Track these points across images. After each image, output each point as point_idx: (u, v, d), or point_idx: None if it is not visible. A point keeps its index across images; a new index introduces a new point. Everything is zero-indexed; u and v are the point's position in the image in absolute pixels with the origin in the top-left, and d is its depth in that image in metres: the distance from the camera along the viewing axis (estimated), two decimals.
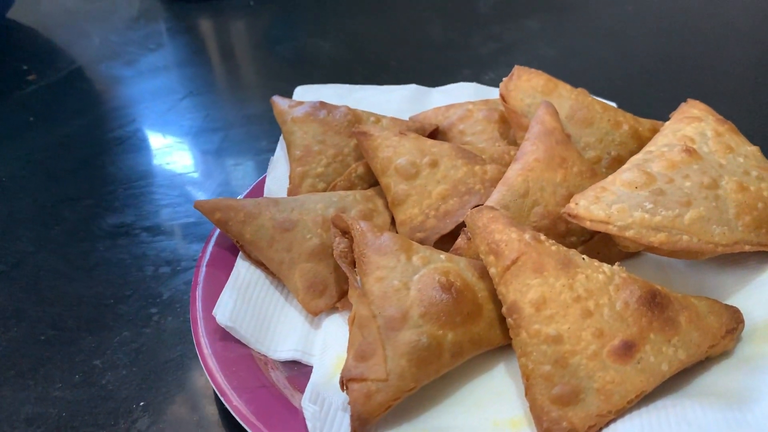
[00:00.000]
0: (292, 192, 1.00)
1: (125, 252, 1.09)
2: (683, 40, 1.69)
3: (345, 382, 0.69)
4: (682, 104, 0.97)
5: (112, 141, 1.40)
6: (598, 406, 0.65)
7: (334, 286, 0.85)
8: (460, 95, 1.20)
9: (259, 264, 0.89)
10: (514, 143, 1.03)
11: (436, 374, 0.71)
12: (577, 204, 0.80)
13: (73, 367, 0.88)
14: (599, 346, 0.66)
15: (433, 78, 1.32)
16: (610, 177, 0.83)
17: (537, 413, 0.67)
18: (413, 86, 1.24)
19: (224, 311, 0.78)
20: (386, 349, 0.69)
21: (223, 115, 1.49)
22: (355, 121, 1.04)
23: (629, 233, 0.77)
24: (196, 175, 1.30)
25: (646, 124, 1.01)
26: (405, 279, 0.73)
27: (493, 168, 0.94)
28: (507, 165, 0.97)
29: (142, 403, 0.82)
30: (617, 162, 0.98)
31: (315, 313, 0.83)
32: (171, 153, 1.37)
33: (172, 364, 0.87)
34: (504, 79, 1.03)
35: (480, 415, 0.71)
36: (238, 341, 0.79)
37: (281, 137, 1.13)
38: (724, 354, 0.72)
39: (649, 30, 1.76)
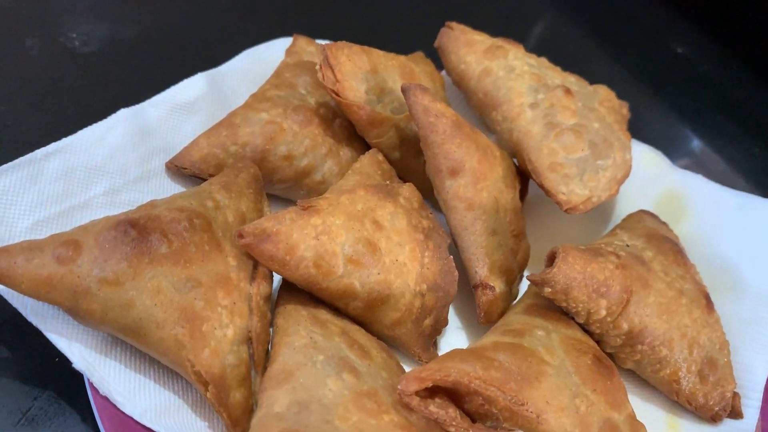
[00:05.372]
0: None
1: None
2: None
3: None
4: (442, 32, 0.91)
5: None
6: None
7: None
8: (192, 101, 0.80)
9: None
10: (360, 143, 0.80)
11: None
12: (565, 195, 0.74)
13: None
14: (706, 316, 0.72)
15: None
16: (543, 149, 0.77)
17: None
18: (123, 112, 0.74)
19: None
20: None
21: None
22: (205, 228, 0.61)
23: (605, 195, 0.77)
24: None
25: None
26: (574, 391, 0.59)
27: (407, 190, 0.74)
28: (391, 178, 0.77)
29: None
30: None
31: None
32: None
33: None
34: (316, 67, 0.75)
35: None
36: None
37: None
38: None
39: None
